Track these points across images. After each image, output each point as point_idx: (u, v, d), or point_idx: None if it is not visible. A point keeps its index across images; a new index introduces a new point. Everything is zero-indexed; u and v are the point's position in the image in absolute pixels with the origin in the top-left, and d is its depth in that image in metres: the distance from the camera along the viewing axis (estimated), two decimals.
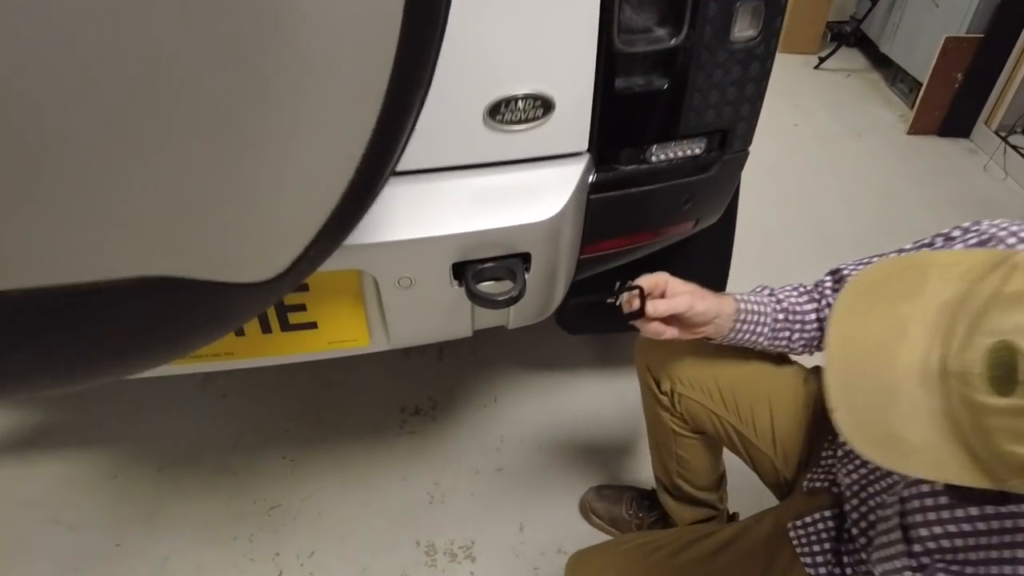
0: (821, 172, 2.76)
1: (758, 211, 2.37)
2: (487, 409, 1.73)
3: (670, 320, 0.88)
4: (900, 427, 0.51)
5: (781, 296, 0.95)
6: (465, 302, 0.94)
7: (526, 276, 0.88)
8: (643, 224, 1.03)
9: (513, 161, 0.87)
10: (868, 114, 3.23)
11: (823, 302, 0.93)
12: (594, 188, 0.93)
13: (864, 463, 0.86)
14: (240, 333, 0.93)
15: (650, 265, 0.93)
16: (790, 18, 3.55)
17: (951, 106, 2.94)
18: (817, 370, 1.04)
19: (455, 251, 0.85)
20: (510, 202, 0.85)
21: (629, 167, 0.94)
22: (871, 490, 0.83)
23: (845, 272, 0.90)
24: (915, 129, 3.03)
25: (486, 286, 0.86)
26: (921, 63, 3.06)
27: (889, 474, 0.80)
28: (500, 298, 0.83)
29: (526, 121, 0.82)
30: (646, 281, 0.85)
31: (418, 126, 0.60)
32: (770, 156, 2.74)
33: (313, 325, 0.94)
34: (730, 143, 0.99)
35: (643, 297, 0.83)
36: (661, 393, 1.07)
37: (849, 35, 3.71)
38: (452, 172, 0.86)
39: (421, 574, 1.37)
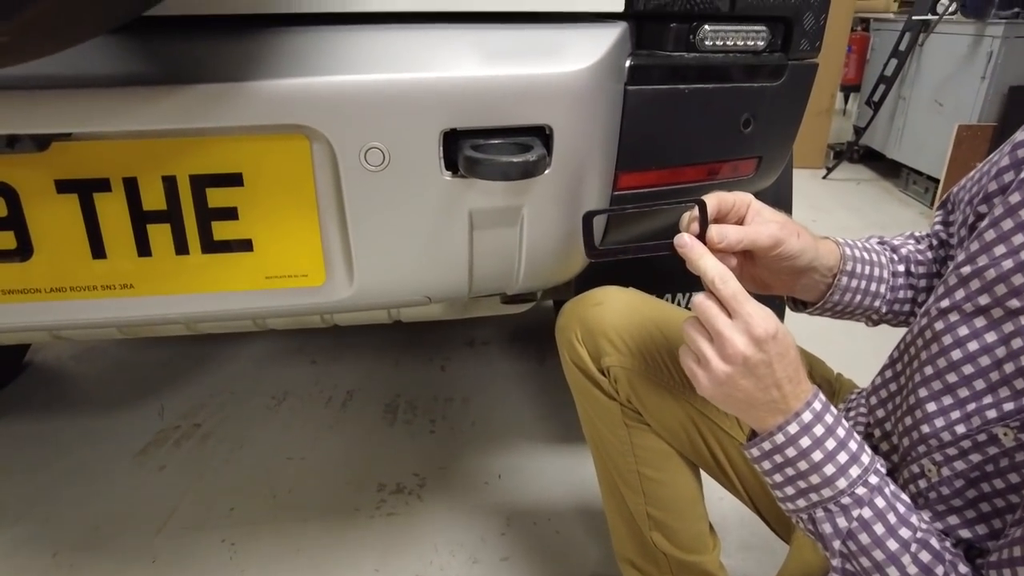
0: None
1: None
2: (489, 487, 1.37)
3: (743, 262, 0.62)
4: None
5: (896, 242, 0.73)
6: (460, 218, 0.68)
7: (547, 158, 0.63)
8: (693, 147, 0.79)
9: (532, 14, 0.67)
10: (887, 212, 3.12)
11: (941, 251, 0.71)
12: (632, 76, 0.72)
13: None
14: (145, 253, 0.66)
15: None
16: None
17: None
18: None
19: (447, 109, 0.61)
20: (526, 53, 0.63)
21: (675, 53, 0.74)
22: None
23: (954, 190, 0.68)
24: None
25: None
26: (933, 159, 3.00)
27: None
28: (514, 160, 0.57)
29: None
30: (715, 198, 0.59)
31: None
32: None
33: (247, 245, 0.67)
34: (795, 42, 0.79)
35: (704, 216, 0.57)
36: (600, 373, 0.76)
37: (851, 150, 3.73)
38: (450, 24, 0.65)
39: None
